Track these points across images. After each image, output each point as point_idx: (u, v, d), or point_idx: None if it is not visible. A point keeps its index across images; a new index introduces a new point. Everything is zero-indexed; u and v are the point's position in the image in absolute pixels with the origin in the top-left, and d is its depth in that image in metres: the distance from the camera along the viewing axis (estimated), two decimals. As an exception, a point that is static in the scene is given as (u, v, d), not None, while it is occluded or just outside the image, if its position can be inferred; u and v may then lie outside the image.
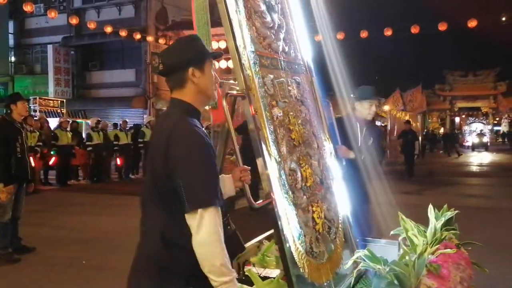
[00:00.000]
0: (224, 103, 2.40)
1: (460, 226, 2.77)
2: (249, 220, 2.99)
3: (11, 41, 27.69)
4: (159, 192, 1.95)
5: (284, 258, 2.37)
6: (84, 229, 7.76)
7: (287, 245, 2.39)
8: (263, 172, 2.40)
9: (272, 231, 2.90)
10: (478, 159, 25.87)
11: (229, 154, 7.82)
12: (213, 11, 2.84)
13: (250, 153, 2.44)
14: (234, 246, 2.14)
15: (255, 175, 2.39)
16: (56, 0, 26.20)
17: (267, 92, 2.62)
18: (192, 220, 1.84)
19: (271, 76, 2.71)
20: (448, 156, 28.40)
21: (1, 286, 5.14)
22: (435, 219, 2.67)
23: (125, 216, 8.88)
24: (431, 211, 2.73)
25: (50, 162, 13.26)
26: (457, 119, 53.85)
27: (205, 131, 2.01)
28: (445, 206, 2.81)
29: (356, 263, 2.53)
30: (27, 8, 17.15)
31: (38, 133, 12.23)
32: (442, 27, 17.22)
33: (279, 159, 2.53)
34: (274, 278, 2.77)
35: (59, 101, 22.36)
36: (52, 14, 17.46)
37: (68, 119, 14.77)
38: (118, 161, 15.30)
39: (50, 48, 25.02)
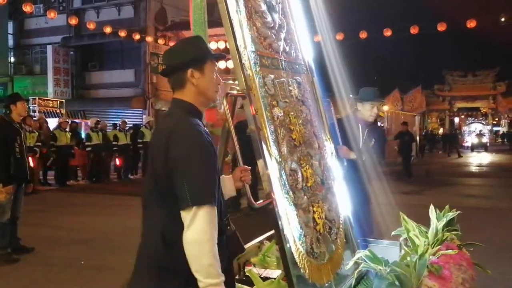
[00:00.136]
0: (225, 103, 2.40)
1: (460, 227, 2.77)
2: (249, 220, 2.98)
3: (10, 42, 27.66)
4: (159, 192, 1.95)
5: (285, 259, 2.37)
6: (83, 229, 7.75)
7: (288, 245, 2.39)
8: (264, 172, 2.40)
9: (272, 231, 2.90)
10: (478, 160, 25.86)
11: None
12: (212, 12, 2.83)
13: (246, 154, 2.43)
14: (234, 246, 2.14)
15: (253, 175, 2.39)
16: (56, 0, 26.18)
17: (267, 92, 2.62)
18: (186, 216, 1.84)
19: (272, 76, 2.71)
20: (448, 156, 28.37)
21: (0, 286, 5.13)
22: (436, 219, 2.66)
23: (124, 216, 8.88)
24: (432, 212, 2.72)
25: (48, 163, 13.22)
26: (456, 120, 53.90)
27: (206, 130, 2.01)
28: (447, 206, 2.81)
29: (357, 264, 2.53)
30: (27, 8, 17.15)
31: (37, 133, 12.22)
32: (441, 27, 17.23)
33: (280, 159, 2.53)
34: (274, 278, 2.76)
35: (58, 102, 22.33)
36: (52, 14, 17.45)
37: (67, 120, 14.75)
38: (117, 161, 15.29)
39: (49, 49, 24.99)
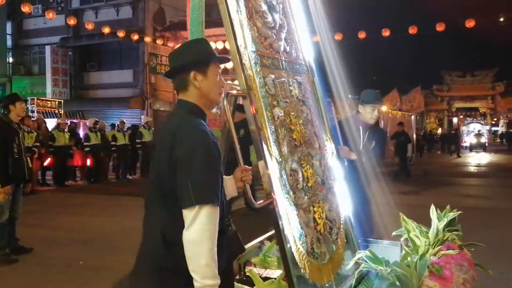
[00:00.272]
0: (225, 103, 2.39)
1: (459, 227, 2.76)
2: (248, 220, 2.98)
3: (9, 42, 27.60)
4: (162, 192, 1.96)
5: (285, 259, 2.37)
6: (81, 230, 7.73)
7: (288, 245, 2.39)
8: (264, 172, 2.40)
9: (273, 231, 2.90)
10: (476, 160, 25.89)
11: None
12: (210, 12, 2.83)
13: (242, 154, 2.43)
14: (234, 246, 2.14)
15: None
16: (54, 1, 26.14)
17: (268, 92, 2.62)
18: (187, 215, 1.84)
19: (272, 76, 2.71)
20: (450, 155, 28.26)
21: (-2, 287, 5.12)
22: (437, 220, 2.65)
23: (122, 216, 8.87)
24: (433, 212, 2.72)
25: (45, 163, 13.20)
26: (455, 120, 53.94)
27: (211, 130, 2.01)
28: (448, 207, 2.80)
29: (357, 264, 2.52)
30: (25, 9, 17.14)
31: (35, 133, 12.21)
32: (440, 27, 17.24)
33: (280, 159, 2.53)
34: (275, 278, 2.76)
35: (57, 102, 22.30)
36: (50, 15, 17.44)
37: (66, 121, 14.70)
38: (116, 162, 15.27)
39: (48, 49, 24.96)
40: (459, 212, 2.74)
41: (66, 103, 23.30)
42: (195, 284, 1.83)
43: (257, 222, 2.87)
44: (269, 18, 2.84)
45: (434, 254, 2.45)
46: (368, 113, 4.61)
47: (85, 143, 14.18)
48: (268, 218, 2.39)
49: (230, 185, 2.27)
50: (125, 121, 16.88)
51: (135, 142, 15.43)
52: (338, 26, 17.49)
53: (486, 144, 36.77)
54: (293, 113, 2.80)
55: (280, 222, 2.37)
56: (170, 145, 1.90)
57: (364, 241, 3.26)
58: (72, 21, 19.10)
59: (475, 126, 43.90)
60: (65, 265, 5.76)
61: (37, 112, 19.56)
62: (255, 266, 3.02)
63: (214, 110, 7.58)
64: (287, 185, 2.53)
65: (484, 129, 44.31)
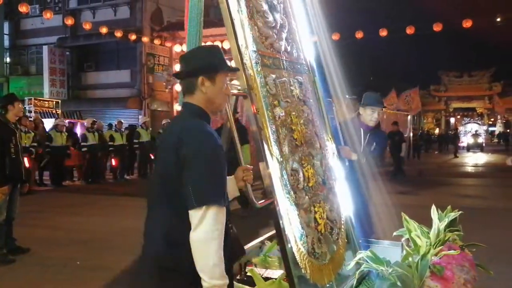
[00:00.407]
0: None
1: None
2: (243, 221, 2.97)
3: (6, 42, 27.51)
4: (167, 192, 1.97)
5: (286, 259, 2.38)
6: (79, 230, 7.72)
7: (289, 245, 2.39)
8: (265, 172, 2.41)
9: (273, 231, 2.90)
10: (473, 160, 25.93)
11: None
12: (208, 12, 2.82)
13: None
14: (235, 248, 2.14)
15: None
16: (52, 1, 26.08)
17: (269, 91, 2.63)
18: (194, 216, 1.85)
19: (273, 75, 2.72)
20: (455, 156, 28.15)
21: (-4, 287, 5.11)
22: (438, 220, 2.65)
23: (120, 216, 8.87)
24: (434, 212, 2.71)
25: (41, 165, 13.16)
26: (452, 120, 54.05)
27: (215, 133, 2.03)
28: (449, 207, 2.80)
29: (358, 264, 2.52)
30: (23, 9, 17.09)
31: (32, 133, 12.17)
32: (437, 27, 17.26)
33: (281, 159, 2.53)
34: (275, 279, 2.76)
35: (54, 102, 22.25)
36: (48, 15, 17.40)
37: (64, 122, 14.63)
38: (113, 162, 15.25)
39: (45, 49, 24.89)
40: (460, 212, 2.74)
41: (63, 103, 23.25)
42: (204, 284, 1.84)
43: (253, 223, 2.86)
44: (270, 18, 2.85)
45: (436, 255, 2.45)
46: (368, 115, 4.66)
47: (82, 143, 14.14)
48: (263, 219, 2.39)
49: (231, 185, 2.28)
50: (122, 121, 16.86)
51: (133, 142, 15.41)
52: (335, 26, 17.49)
53: (483, 144, 36.80)
54: (294, 113, 2.80)
55: (281, 222, 2.37)
56: (176, 145, 1.92)
57: (365, 242, 3.26)
58: (69, 21, 19.06)
59: (472, 126, 43.98)
60: (63, 265, 5.75)
61: (35, 112, 19.50)
62: (255, 266, 3.03)
63: None
64: (288, 185, 2.53)
65: (481, 129, 44.39)
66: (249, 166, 2.36)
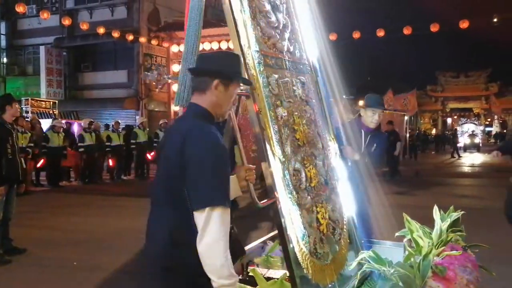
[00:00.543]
0: None
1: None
2: (249, 221, 2.97)
3: (3, 42, 27.46)
4: (171, 192, 1.97)
5: (288, 259, 2.38)
6: (75, 230, 7.71)
7: (291, 245, 2.40)
8: (267, 172, 2.41)
9: (275, 231, 2.94)
10: (470, 160, 25.97)
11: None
12: (206, 13, 2.81)
13: None
14: (235, 249, 2.14)
15: None
16: (49, 1, 26.03)
17: (271, 91, 2.63)
18: (199, 217, 1.86)
19: (276, 75, 2.72)
20: (451, 156, 28.11)
21: (-8, 287, 5.10)
22: (440, 220, 2.65)
23: (117, 217, 8.86)
24: (436, 213, 2.72)
25: (38, 165, 13.14)
26: (449, 120, 54.15)
27: (218, 134, 2.04)
28: (452, 207, 2.80)
29: (360, 265, 2.53)
30: (20, 9, 17.06)
31: (29, 134, 12.14)
32: (434, 28, 17.30)
33: (283, 159, 2.53)
34: (277, 279, 2.76)
35: (51, 102, 22.22)
36: (45, 15, 17.36)
37: (61, 123, 14.57)
38: (110, 162, 15.22)
39: (42, 49, 24.85)
40: (462, 212, 2.74)
41: (60, 103, 23.22)
42: (213, 284, 1.86)
43: (255, 223, 2.86)
44: (273, 18, 2.85)
45: (438, 255, 2.45)
46: (369, 117, 4.69)
47: (79, 144, 14.11)
48: (264, 219, 2.40)
49: (233, 184, 2.27)
50: (119, 121, 16.83)
51: (130, 142, 15.38)
52: (332, 26, 17.52)
53: (480, 145, 36.86)
54: (296, 113, 2.80)
55: (283, 222, 2.38)
56: (181, 145, 1.92)
57: (367, 242, 3.26)
58: (66, 21, 19.03)
59: (469, 127, 44.08)
60: (59, 265, 5.74)
61: (32, 112, 19.47)
62: (258, 266, 3.04)
63: None
64: (290, 185, 2.53)
65: (478, 129, 44.51)
66: (251, 166, 2.36)
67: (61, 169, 13.82)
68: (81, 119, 19.56)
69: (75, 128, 17.75)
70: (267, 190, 2.46)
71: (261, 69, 2.59)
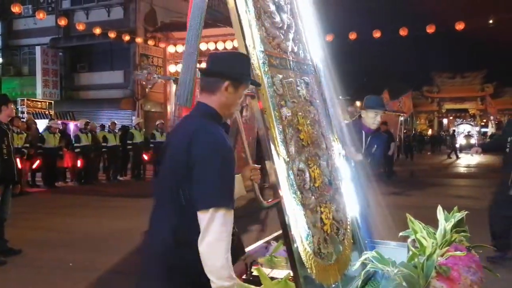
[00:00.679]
0: None
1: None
2: (253, 221, 2.97)
3: (-1, 43, 27.43)
4: (175, 191, 1.97)
5: (292, 259, 2.39)
6: (71, 231, 7.69)
7: (295, 245, 2.40)
8: (272, 172, 2.42)
9: (279, 232, 2.93)
10: (466, 161, 26.04)
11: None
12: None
13: None
14: (237, 249, 2.14)
15: None
16: (45, 1, 25.97)
17: (276, 92, 2.64)
18: (203, 217, 1.87)
19: (280, 76, 2.73)
20: (450, 157, 28.14)
21: (-13, 289, 5.08)
22: (444, 220, 2.65)
23: (112, 218, 8.85)
24: (440, 213, 2.72)
25: (34, 166, 13.10)
26: (445, 121, 54.31)
27: (225, 135, 2.05)
28: (456, 208, 2.81)
29: (364, 265, 2.53)
30: (15, 9, 17.01)
31: (25, 134, 12.10)
32: (430, 29, 17.36)
33: (288, 159, 2.54)
34: (281, 278, 2.77)
35: (47, 103, 22.15)
36: (41, 15, 17.32)
37: (58, 124, 14.52)
38: (106, 163, 15.19)
39: (38, 50, 24.80)
40: (466, 212, 2.75)
41: (56, 104, 23.15)
42: (212, 285, 1.86)
43: (258, 223, 2.86)
44: (277, 19, 2.86)
45: (442, 255, 2.45)
46: (371, 118, 4.70)
47: (75, 144, 14.08)
48: (267, 219, 2.40)
49: (238, 183, 2.28)
50: (116, 122, 16.80)
51: (126, 143, 15.36)
52: (328, 27, 17.54)
53: (476, 145, 36.85)
54: (300, 113, 2.81)
55: (287, 222, 2.39)
56: (187, 145, 1.93)
57: (370, 242, 3.27)
58: (62, 22, 19.00)
59: (464, 127, 44.18)
60: (55, 266, 5.73)
61: (27, 113, 19.40)
62: (261, 266, 3.05)
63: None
64: (295, 185, 2.54)
65: (474, 130, 44.63)
66: (257, 165, 2.38)
67: (57, 169, 13.78)
68: (77, 120, 19.52)
69: (71, 128, 17.70)
70: (273, 190, 2.47)
71: (266, 69, 2.60)
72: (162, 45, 23.07)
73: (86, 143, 14.09)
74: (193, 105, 2.43)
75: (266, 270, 2.91)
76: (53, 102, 22.66)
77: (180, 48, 19.90)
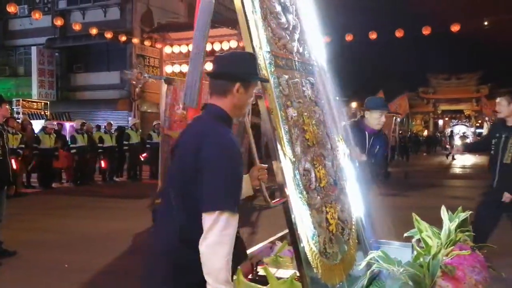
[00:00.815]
0: None
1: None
2: (257, 221, 2.98)
3: (-6, 43, 27.34)
4: (183, 192, 1.98)
5: (299, 258, 2.40)
6: (67, 232, 7.67)
7: (301, 245, 2.42)
8: (278, 172, 2.44)
9: (284, 232, 2.99)
10: (461, 161, 26.12)
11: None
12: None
13: None
14: (239, 253, 2.15)
15: None
16: (41, 1, 25.92)
17: (282, 92, 2.65)
18: (207, 219, 1.87)
19: (286, 76, 2.74)
20: (446, 158, 28.14)
21: (-19, 290, 5.06)
22: (449, 220, 2.67)
23: (108, 219, 8.83)
24: (444, 213, 2.73)
25: (29, 167, 13.04)
26: (440, 122, 54.50)
27: (235, 138, 2.05)
28: (460, 208, 2.83)
29: (369, 265, 2.54)
30: (11, 9, 16.93)
31: (20, 135, 12.05)
32: (426, 31, 17.42)
33: (294, 159, 2.55)
34: (287, 278, 2.79)
35: (42, 103, 22.12)
36: (36, 15, 17.27)
37: (53, 124, 14.47)
38: (102, 164, 15.15)
39: (34, 50, 24.76)
40: (471, 212, 2.77)
41: (52, 104, 23.11)
42: (208, 287, 1.86)
43: (261, 224, 2.86)
44: (283, 19, 2.87)
45: (447, 255, 2.46)
46: (376, 119, 4.75)
47: (71, 145, 14.03)
48: (271, 219, 2.41)
49: (245, 184, 2.29)
50: (112, 122, 16.77)
51: (122, 144, 15.33)
52: (324, 28, 17.54)
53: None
54: (306, 114, 2.82)
55: (294, 222, 2.40)
56: (197, 148, 1.94)
57: (374, 242, 3.28)
58: (59, 22, 18.94)
59: (460, 128, 44.39)
60: (50, 268, 5.72)
61: (23, 113, 19.36)
62: (267, 265, 3.07)
63: (179, 111, 7.49)
64: (301, 185, 2.55)
65: (469, 131, 44.86)
66: (264, 165, 2.39)
67: (53, 170, 13.74)
68: (73, 120, 19.48)
69: (67, 129, 17.65)
70: (280, 189, 2.48)
71: (272, 69, 2.61)
72: (158, 45, 22.98)
73: (82, 144, 14.04)
74: (199, 106, 2.45)
75: (272, 270, 2.94)
76: (48, 102, 22.64)
77: (177, 49, 19.85)
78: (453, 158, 27.71)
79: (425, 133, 48.84)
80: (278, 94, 2.60)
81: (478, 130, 54.43)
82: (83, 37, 22.77)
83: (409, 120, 48.51)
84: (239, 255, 2.15)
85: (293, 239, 2.42)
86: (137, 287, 2.30)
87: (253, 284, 2.71)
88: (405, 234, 2.82)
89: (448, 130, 47.79)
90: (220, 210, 1.86)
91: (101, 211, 9.79)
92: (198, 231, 1.89)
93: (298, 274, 2.65)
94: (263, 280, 2.78)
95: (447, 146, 30.26)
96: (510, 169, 4.63)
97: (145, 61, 23.28)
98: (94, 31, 19.30)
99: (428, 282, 2.31)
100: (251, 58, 2.25)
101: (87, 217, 9.11)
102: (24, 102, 21.12)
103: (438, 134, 44.93)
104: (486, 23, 19.76)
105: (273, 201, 2.41)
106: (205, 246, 1.86)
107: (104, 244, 6.82)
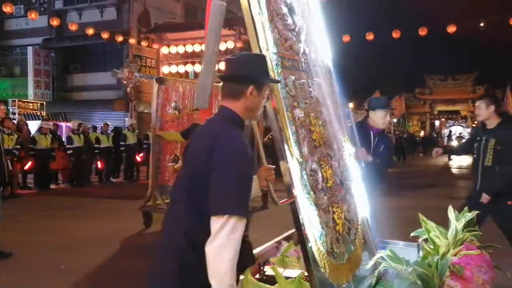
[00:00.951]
0: None
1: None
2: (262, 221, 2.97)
3: (-11, 43, 27.23)
4: (193, 193, 1.98)
5: (307, 258, 2.42)
6: (63, 233, 7.64)
7: (309, 244, 2.43)
8: (286, 172, 2.45)
9: (289, 232, 3.05)
10: (457, 162, 26.22)
11: (173, 161, 7.79)
12: (196, 14, 2.77)
13: None
14: (246, 257, 2.15)
15: None
16: (37, 1, 25.84)
17: (289, 93, 2.66)
18: (215, 222, 1.87)
19: (293, 77, 2.76)
20: (449, 159, 28.17)
21: (-23, 292, 5.01)
22: (455, 220, 2.67)
23: (105, 220, 8.81)
24: (451, 212, 2.74)
25: (26, 167, 12.98)
26: (437, 122, 54.72)
27: (246, 142, 2.05)
28: (466, 208, 2.84)
29: (375, 265, 2.56)
30: (7, 9, 16.84)
31: (16, 135, 11.98)
32: (423, 32, 17.48)
33: (301, 160, 2.57)
34: (295, 278, 2.81)
35: (38, 104, 22.05)
36: (33, 15, 17.19)
37: (49, 125, 14.39)
38: (99, 164, 15.09)
39: (30, 50, 24.67)
40: (477, 211, 2.78)
41: (48, 105, 23.04)
42: None
43: (268, 224, 2.84)
44: (289, 21, 2.89)
45: (454, 255, 2.47)
46: (381, 119, 4.80)
47: (68, 146, 13.97)
48: (276, 220, 2.40)
49: (254, 185, 2.28)
50: (109, 123, 16.72)
51: (119, 144, 15.28)
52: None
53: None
54: (312, 114, 2.84)
55: (301, 222, 2.41)
56: (209, 150, 1.94)
57: (380, 242, 3.30)
58: (55, 22, 18.88)
59: (456, 129, 44.55)
60: (46, 269, 5.69)
61: (19, 114, 19.29)
62: (273, 265, 3.09)
63: (171, 111, 7.57)
64: (308, 185, 2.56)
65: (465, 131, 45.02)
66: (271, 166, 2.41)
67: (49, 171, 13.67)
68: (69, 121, 19.41)
69: (63, 129, 17.59)
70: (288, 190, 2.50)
71: (279, 71, 2.62)
72: (155, 46, 22.98)
73: (78, 144, 13.99)
74: (211, 107, 2.44)
75: (278, 270, 2.96)
76: (45, 103, 22.56)
77: (174, 49, 19.83)
78: (449, 159, 27.78)
79: (422, 133, 49.05)
80: (284, 95, 2.61)
81: (475, 131, 54.74)
82: (80, 37, 22.69)
83: (406, 120, 48.75)
84: (246, 258, 2.15)
85: (301, 239, 2.44)
86: (134, 287, 2.27)
87: (261, 283, 2.73)
88: (412, 234, 2.84)
89: (446, 131, 48.07)
90: (229, 214, 1.86)
91: (97, 212, 9.76)
92: (205, 233, 1.89)
93: (305, 273, 2.67)
94: (271, 280, 2.80)
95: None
96: (492, 171, 4.65)
97: (142, 61, 23.22)
98: (90, 31, 19.25)
99: (437, 282, 2.31)
100: (263, 59, 2.25)
101: (84, 218, 9.08)
102: (20, 103, 21.07)
103: (435, 135, 45.10)
104: (482, 24, 19.82)
105: (280, 202, 2.43)
106: (210, 248, 1.86)
107: (100, 245, 6.79)
